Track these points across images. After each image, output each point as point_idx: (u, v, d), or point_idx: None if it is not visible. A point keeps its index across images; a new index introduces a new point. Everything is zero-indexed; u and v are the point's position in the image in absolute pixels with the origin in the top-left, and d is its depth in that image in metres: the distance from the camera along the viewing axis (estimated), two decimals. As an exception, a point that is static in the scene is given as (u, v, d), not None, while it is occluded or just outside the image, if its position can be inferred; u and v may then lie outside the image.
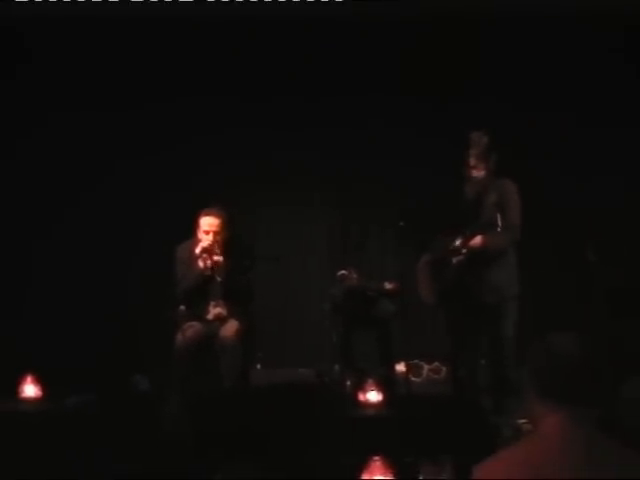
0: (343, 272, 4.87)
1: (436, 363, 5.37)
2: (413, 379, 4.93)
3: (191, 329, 4.03)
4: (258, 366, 5.28)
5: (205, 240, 4.07)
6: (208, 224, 4.11)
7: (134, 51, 5.05)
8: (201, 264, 4.03)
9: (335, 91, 5.52)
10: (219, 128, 5.52)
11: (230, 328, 4.01)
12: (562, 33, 4.78)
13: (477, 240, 3.65)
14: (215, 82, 5.39)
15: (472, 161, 3.73)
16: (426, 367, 5.38)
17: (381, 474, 2.72)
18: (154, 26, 4.63)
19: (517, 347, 3.66)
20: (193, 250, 4.07)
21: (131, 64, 5.15)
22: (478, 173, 3.74)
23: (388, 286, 4.69)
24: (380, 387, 3.97)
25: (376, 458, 2.75)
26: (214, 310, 4.12)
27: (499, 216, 3.52)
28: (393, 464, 2.75)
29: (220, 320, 4.09)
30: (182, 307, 4.19)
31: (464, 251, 3.69)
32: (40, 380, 3.93)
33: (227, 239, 4.15)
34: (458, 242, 3.73)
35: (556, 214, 5.16)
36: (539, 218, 4.82)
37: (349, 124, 5.67)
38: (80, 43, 4.89)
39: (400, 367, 4.81)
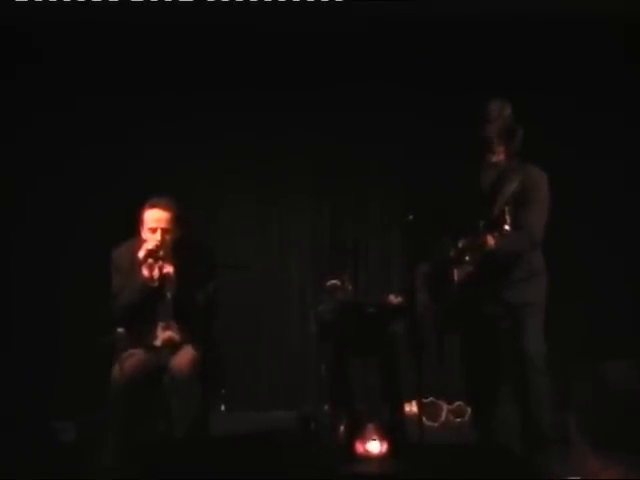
0: (334, 282, 4.88)
1: (458, 402, 5.39)
2: (428, 423, 4.93)
3: (132, 359, 3.94)
4: (222, 407, 5.28)
5: (151, 241, 4.00)
6: (154, 219, 4.05)
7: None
8: (146, 272, 3.97)
9: (319, 72, 6.00)
10: (174, 110, 5.90)
11: (184, 357, 3.93)
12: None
13: (487, 240, 3.54)
14: (179, 65, 5.87)
15: (490, 140, 3.70)
16: (445, 407, 5.41)
17: None
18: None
19: (557, 383, 3.67)
20: (135, 254, 4.00)
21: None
22: (498, 157, 3.72)
23: (394, 300, 4.67)
24: (384, 435, 3.98)
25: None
26: (163, 334, 4.04)
27: (507, 210, 3.43)
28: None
29: (171, 347, 4.02)
30: (120, 330, 4.12)
31: (467, 259, 3.65)
32: None
33: (180, 239, 4.12)
34: (461, 245, 3.67)
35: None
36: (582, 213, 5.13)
37: (339, 104, 6.09)
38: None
39: (411, 407, 4.80)
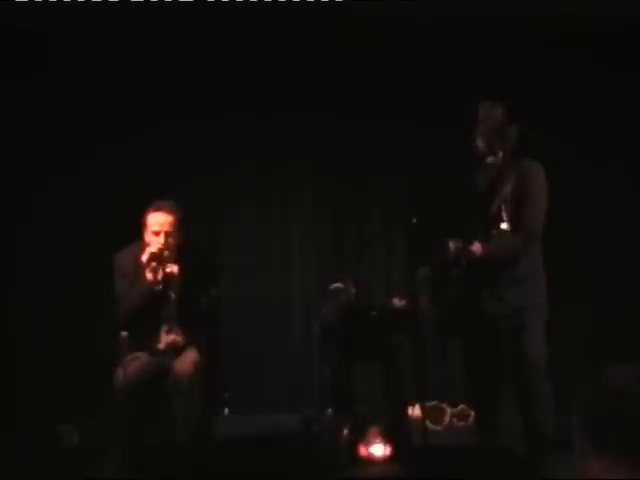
0: (337, 285, 4.85)
1: (462, 406, 5.40)
2: (431, 427, 4.95)
3: (136, 363, 3.99)
4: (225, 411, 5.29)
5: (154, 244, 4.03)
6: (158, 223, 4.09)
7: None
8: (149, 276, 3.99)
9: (320, 73, 5.98)
10: (174, 112, 5.81)
11: (187, 361, 3.97)
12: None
13: (475, 247, 3.58)
14: (179, 68, 5.84)
15: (483, 141, 3.69)
16: (449, 411, 5.40)
17: None
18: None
19: (561, 385, 3.66)
20: (139, 258, 4.02)
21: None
22: (494, 158, 3.71)
23: (397, 303, 4.64)
24: (387, 438, 4.03)
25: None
26: (167, 337, 4.07)
27: (503, 208, 3.46)
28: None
29: (175, 350, 4.05)
30: (124, 333, 4.15)
31: (464, 262, 3.65)
32: None
33: (183, 243, 4.15)
34: (452, 248, 3.67)
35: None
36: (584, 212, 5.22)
37: (340, 104, 6.00)
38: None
39: (414, 411, 4.83)
